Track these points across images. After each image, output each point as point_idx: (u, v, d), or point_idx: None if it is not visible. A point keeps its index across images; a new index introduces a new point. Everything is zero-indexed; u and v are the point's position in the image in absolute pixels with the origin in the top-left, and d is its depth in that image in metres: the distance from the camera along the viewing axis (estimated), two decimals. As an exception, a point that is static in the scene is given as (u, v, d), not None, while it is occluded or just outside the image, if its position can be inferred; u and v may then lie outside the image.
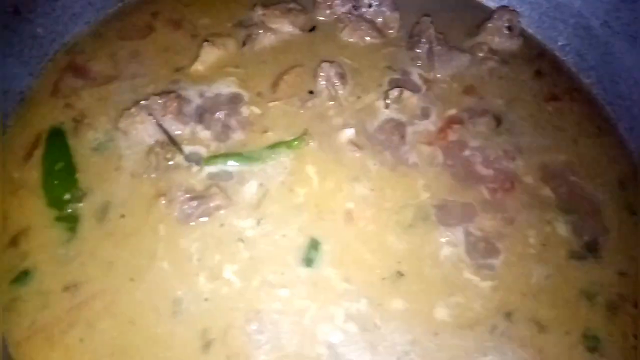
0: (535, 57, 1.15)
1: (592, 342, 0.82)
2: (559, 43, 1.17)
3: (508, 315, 0.83)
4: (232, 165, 0.93)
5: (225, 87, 1.02)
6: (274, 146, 0.95)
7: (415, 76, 1.07)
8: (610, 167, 1.00)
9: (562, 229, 0.92)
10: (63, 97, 1.00)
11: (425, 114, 1.02)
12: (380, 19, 1.14)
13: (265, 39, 1.09)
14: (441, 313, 0.83)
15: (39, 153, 0.93)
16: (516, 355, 0.80)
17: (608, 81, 1.09)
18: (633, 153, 1.03)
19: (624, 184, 0.98)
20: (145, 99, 0.96)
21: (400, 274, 0.85)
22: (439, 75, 1.07)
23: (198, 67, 1.04)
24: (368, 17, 1.14)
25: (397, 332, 0.81)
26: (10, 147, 0.93)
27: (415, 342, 0.80)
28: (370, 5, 1.14)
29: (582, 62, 1.13)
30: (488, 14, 1.16)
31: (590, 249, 0.91)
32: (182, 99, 0.98)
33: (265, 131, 0.97)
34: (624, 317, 0.85)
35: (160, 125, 0.94)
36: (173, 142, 0.93)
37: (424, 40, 1.09)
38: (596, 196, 0.96)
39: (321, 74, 1.02)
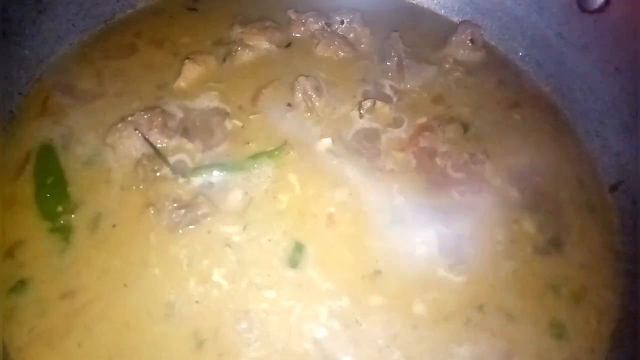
0: (498, 67, 1.22)
1: (558, 330, 0.88)
2: (519, 54, 1.24)
3: (480, 307, 0.88)
4: (217, 175, 0.96)
5: (208, 102, 1.06)
6: (256, 156, 0.99)
7: (387, 87, 1.13)
8: (570, 168, 1.07)
9: (528, 226, 0.97)
10: (52, 115, 1.02)
11: (397, 123, 1.07)
12: (352, 35, 1.20)
13: (244, 56, 1.14)
14: (418, 308, 0.87)
15: (30, 168, 0.95)
16: (489, 344, 0.85)
17: (565, 88, 1.16)
18: (590, 154, 1.09)
19: (582, 182, 1.05)
20: (131, 115, 0.99)
21: (378, 272, 0.89)
22: (409, 86, 1.13)
23: (181, 83, 1.08)
24: (340, 33, 1.20)
25: (378, 326, 0.85)
26: (2, 163, 0.96)
27: (396, 335, 0.85)
28: (342, 22, 1.20)
29: (541, 71, 1.20)
30: (452, 28, 1.23)
31: (554, 244, 0.96)
32: (166, 114, 1.02)
33: (247, 142, 1.01)
34: (587, 306, 0.91)
35: (146, 139, 0.97)
36: (159, 155, 0.97)
37: (394, 53, 1.15)
38: (558, 195, 1.02)
39: (298, 87, 1.06)
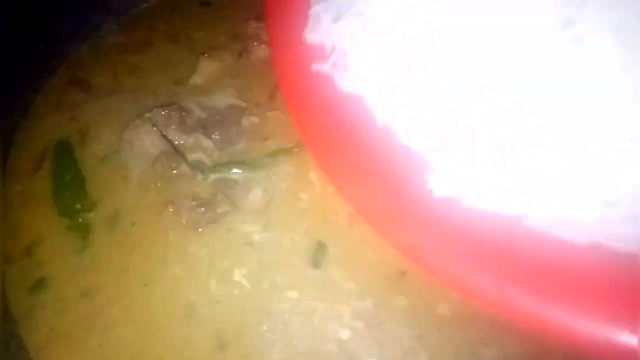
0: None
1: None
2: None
3: (505, 308, 0.87)
4: (236, 172, 0.95)
5: (225, 98, 1.04)
6: (275, 153, 0.97)
7: (404, 82, 1.11)
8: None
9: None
10: (67, 111, 1.02)
11: (416, 120, 1.06)
12: (369, 30, 1.18)
13: (260, 51, 1.11)
14: (443, 309, 0.85)
15: (47, 165, 0.94)
16: (515, 343, 0.84)
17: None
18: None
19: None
20: (149, 111, 0.98)
21: (402, 273, 0.87)
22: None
23: (197, 79, 1.07)
24: (356, 28, 1.18)
25: (403, 327, 0.83)
26: (18, 159, 0.95)
27: (421, 336, 0.83)
28: (358, 17, 1.18)
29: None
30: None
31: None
32: (184, 110, 1.00)
33: (266, 139, 0.99)
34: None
35: (164, 136, 0.96)
36: (177, 152, 0.95)
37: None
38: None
39: (316, 83, 1.05)
